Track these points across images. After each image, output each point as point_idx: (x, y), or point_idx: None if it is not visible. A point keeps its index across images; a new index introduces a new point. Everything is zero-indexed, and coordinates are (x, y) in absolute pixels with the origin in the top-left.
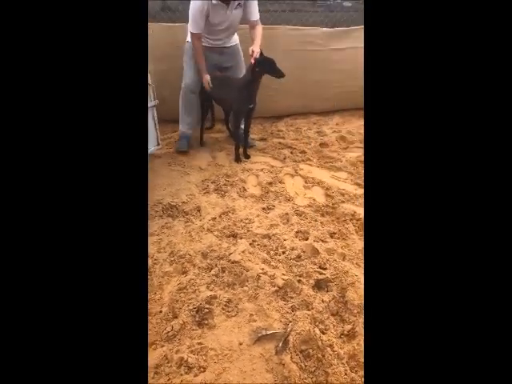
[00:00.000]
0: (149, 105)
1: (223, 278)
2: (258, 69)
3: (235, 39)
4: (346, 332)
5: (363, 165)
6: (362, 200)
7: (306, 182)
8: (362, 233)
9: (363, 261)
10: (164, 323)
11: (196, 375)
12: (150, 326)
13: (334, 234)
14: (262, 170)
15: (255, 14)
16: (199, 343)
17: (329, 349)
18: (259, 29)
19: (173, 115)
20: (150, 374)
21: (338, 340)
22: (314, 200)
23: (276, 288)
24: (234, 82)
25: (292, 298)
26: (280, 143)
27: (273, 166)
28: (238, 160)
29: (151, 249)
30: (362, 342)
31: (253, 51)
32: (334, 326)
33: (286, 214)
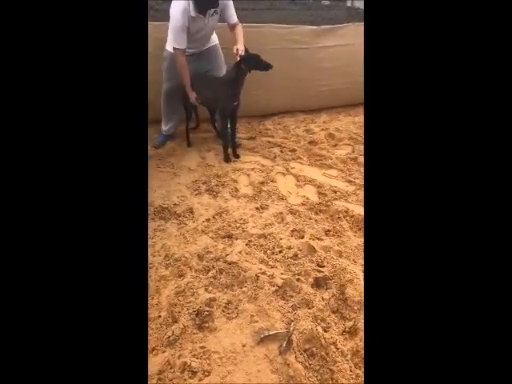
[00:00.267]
0: None
1: (221, 280)
2: (243, 66)
3: (213, 39)
4: (347, 329)
5: (354, 162)
6: (354, 197)
7: (297, 181)
8: (356, 229)
9: (360, 257)
10: (164, 328)
11: (201, 379)
12: (149, 331)
13: (329, 231)
14: (252, 169)
15: (233, 16)
16: (202, 347)
17: (332, 346)
18: (240, 28)
19: (158, 116)
20: (154, 381)
21: (341, 337)
22: (307, 198)
23: (275, 288)
24: (217, 81)
25: (292, 297)
26: (269, 142)
27: (263, 165)
28: (227, 160)
29: None
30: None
31: (237, 49)
32: (335, 323)
33: (280, 213)
